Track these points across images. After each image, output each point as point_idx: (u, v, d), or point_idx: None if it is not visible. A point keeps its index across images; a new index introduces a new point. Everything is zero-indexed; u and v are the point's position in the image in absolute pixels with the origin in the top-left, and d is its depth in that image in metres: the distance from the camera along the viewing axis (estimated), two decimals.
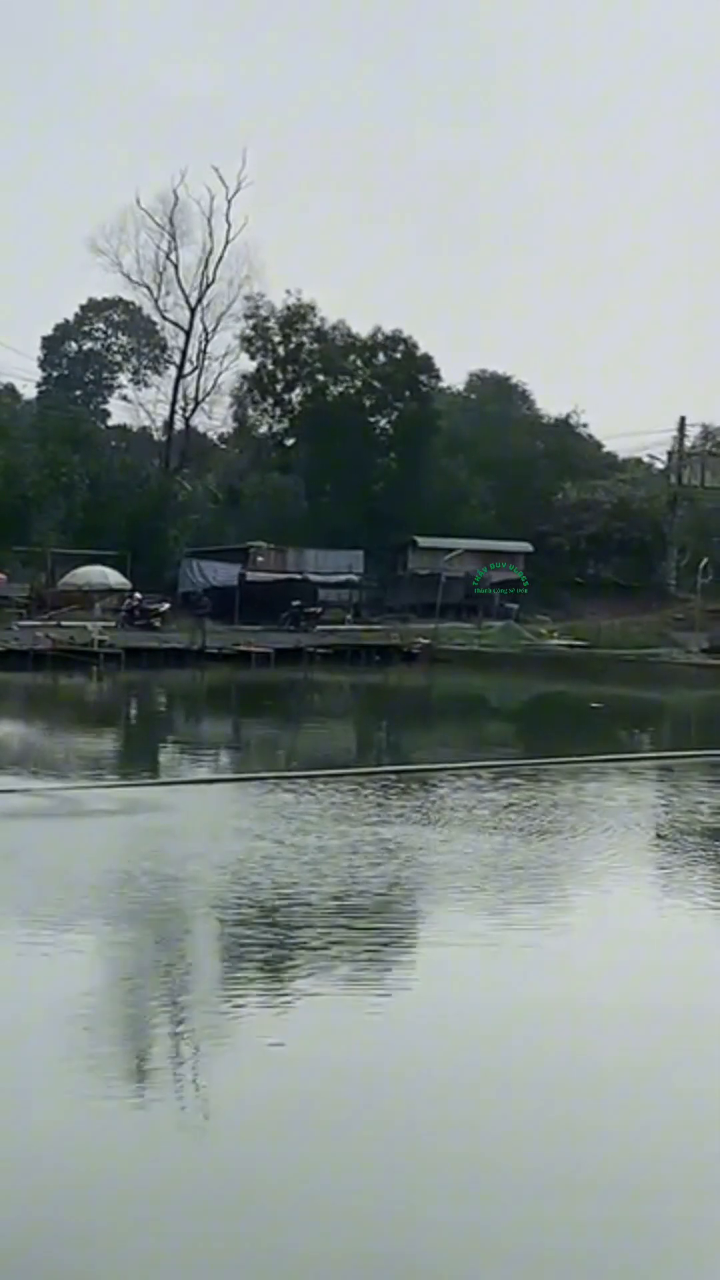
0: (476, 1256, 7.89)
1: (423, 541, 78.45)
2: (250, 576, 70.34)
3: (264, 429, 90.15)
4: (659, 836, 20.31)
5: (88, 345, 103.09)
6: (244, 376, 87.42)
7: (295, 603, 67.47)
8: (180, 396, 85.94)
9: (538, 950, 14.21)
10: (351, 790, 22.88)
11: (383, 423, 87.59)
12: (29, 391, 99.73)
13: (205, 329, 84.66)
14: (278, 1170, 8.78)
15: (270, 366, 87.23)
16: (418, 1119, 9.74)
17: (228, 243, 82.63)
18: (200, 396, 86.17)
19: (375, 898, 15.54)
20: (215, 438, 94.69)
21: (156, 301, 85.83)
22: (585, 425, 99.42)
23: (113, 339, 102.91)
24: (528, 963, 13.75)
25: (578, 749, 30.61)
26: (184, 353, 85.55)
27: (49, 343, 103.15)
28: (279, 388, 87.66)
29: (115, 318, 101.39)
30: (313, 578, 72.65)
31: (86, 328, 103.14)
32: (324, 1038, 11.32)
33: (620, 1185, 8.68)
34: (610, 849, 19.12)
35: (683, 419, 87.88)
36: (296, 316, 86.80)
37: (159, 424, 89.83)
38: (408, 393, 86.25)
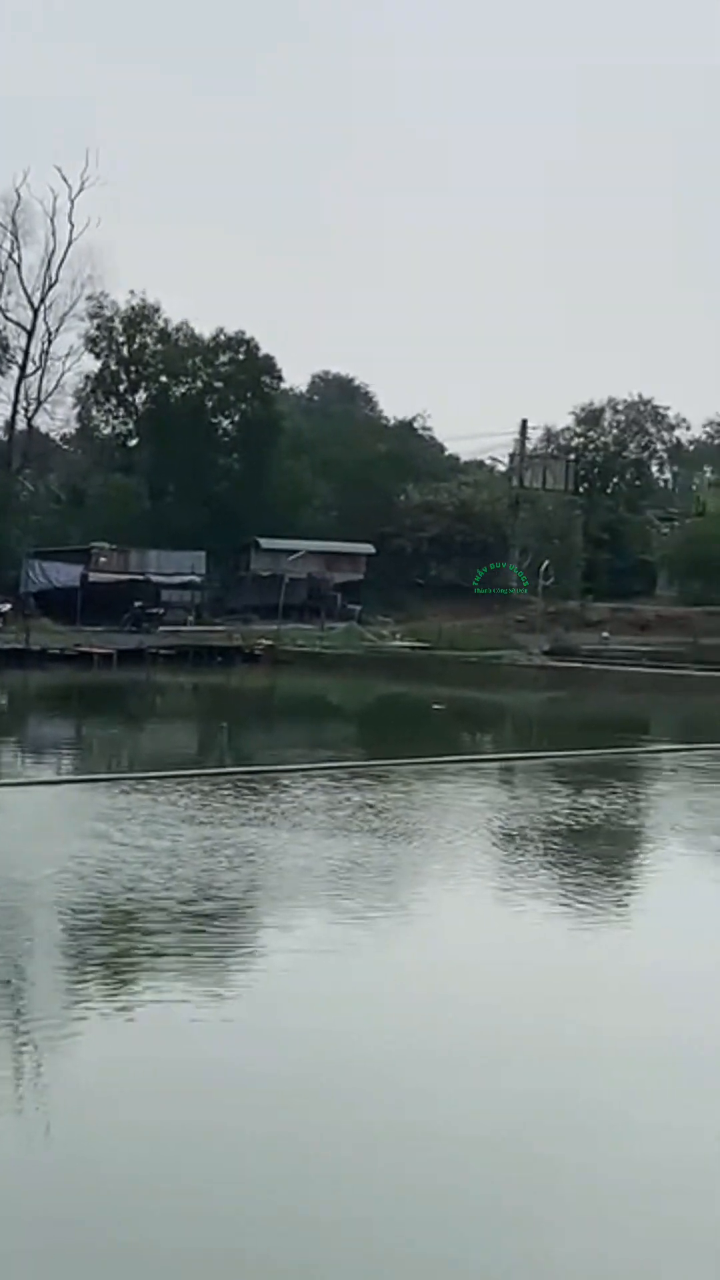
0: (320, 1258, 7.82)
1: (265, 543, 78.13)
2: (92, 577, 69.75)
3: (107, 430, 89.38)
4: (516, 838, 20.15)
5: None
6: (87, 377, 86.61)
7: (137, 604, 67.13)
8: (22, 397, 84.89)
9: (394, 954, 14.04)
10: (204, 791, 22.55)
11: (225, 423, 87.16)
12: None
13: (48, 329, 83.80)
14: (121, 1176, 8.66)
15: (114, 367, 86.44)
16: (264, 1124, 9.55)
17: (70, 243, 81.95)
18: (42, 397, 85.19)
19: (230, 902, 15.25)
20: (58, 438, 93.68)
21: None
22: (428, 428, 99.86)
23: None
24: (385, 967, 13.58)
25: (422, 750, 30.49)
26: (26, 353, 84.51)
27: None
28: (122, 388, 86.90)
29: None
30: (155, 579, 72.14)
31: None
32: (173, 1045, 11.08)
33: (461, 1189, 8.72)
34: (469, 851, 19.01)
35: (524, 422, 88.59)
36: (140, 317, 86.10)
37: (0, 424, 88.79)
38: (250, 394, 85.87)
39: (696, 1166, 9.23)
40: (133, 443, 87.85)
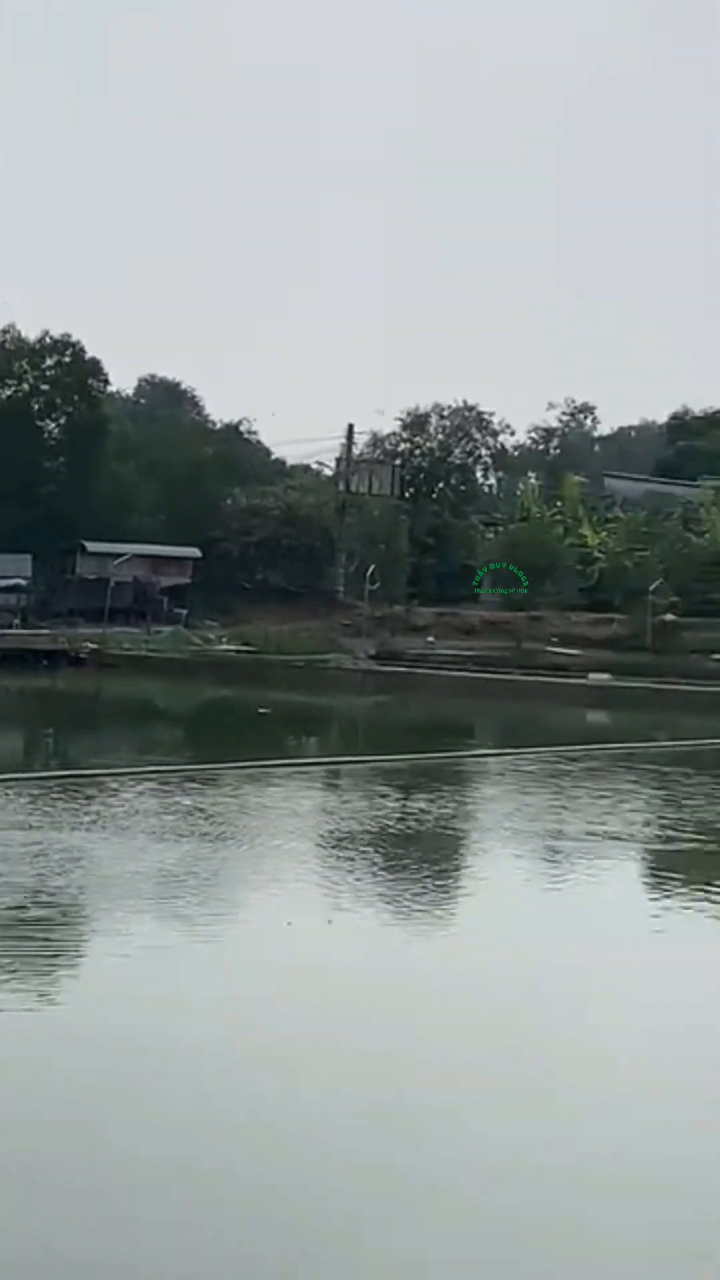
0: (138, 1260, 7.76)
1: (91, 546, 77.57)
2: None
3: None
4: (349, 842, 20.15)
5: None
6: None
7: None
8: None
9: (226, 959, 14.04)
10: (32, 795, 22.30)
11: (52, 426, 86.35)
12: None
13: None
14: None
15: None
16: (98, 1131, 9.50)
17: None
18: None
19: (61, 908, 15.11)
20: None
21: None
22: (255, 432, 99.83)
23: None
24: (216, 972, 13.57)
25: (250, 753, 30.49)
26: None
27: None
28: None
29: None
30: None
31: None
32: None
33: (286, 1189, 8.71)
34: (301, 855, 19.03)
35: (351, 426, 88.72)
36: None
37: None
38: (76, 396, 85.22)
39: (519, 1168, 9.28)
40: None
